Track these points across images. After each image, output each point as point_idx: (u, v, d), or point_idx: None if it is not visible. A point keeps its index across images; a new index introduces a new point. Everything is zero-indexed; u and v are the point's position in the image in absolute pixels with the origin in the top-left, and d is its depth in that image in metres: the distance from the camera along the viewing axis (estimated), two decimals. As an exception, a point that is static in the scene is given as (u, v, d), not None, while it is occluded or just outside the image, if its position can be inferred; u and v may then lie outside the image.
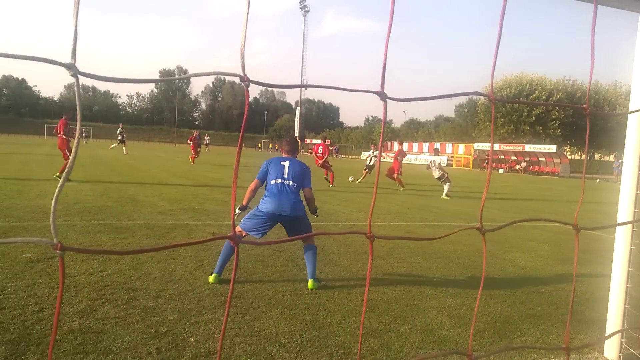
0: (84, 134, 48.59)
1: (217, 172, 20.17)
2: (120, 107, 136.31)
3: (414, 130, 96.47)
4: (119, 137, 30.02)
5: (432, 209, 11.87)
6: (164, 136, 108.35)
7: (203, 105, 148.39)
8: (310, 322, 3.84)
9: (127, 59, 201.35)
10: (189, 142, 26.54)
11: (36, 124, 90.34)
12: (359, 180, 18.45)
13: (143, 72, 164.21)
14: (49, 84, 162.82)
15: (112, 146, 35.64)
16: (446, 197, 14.52)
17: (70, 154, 10.69)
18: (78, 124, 0.82)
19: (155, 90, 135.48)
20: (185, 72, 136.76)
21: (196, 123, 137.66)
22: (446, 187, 14.80)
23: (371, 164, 18.80)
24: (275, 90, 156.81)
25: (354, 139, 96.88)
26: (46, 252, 5.20)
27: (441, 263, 6.11)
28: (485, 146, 51.08)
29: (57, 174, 13.01)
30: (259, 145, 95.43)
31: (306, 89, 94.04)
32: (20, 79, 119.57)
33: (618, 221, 3.58)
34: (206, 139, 47.00)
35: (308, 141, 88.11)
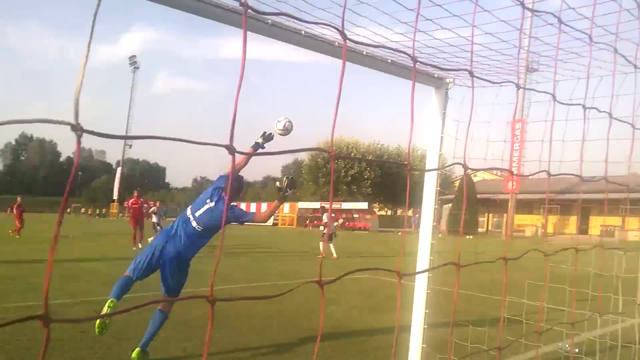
0: None
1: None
2: None
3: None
4: None
5: (259, 269, 12.09)
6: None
7: (0, 166, 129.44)
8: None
9: None
10: (13, 210, 21.81)
11: None
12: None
13: None
14: None
15: None
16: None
17: None
18: None
19: None
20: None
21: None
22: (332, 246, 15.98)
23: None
24: (93, 149, 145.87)
25: (181, 200, 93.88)
26: None
27: (265, 323, 6.26)
28: (309, 205, 53.94)
29: None
30: (68, 210, 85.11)
31: (130, 147, 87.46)
32: None
33: (417, 269, 4.18)
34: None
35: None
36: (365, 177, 60.75)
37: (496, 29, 2.94)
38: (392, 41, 3.20)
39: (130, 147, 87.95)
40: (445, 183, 65.88)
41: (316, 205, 53.23)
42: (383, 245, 25.07)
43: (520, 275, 6.53)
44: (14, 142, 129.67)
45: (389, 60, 3.53)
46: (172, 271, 4.42)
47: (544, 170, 2.34)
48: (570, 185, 32.54)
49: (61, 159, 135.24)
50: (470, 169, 2.24)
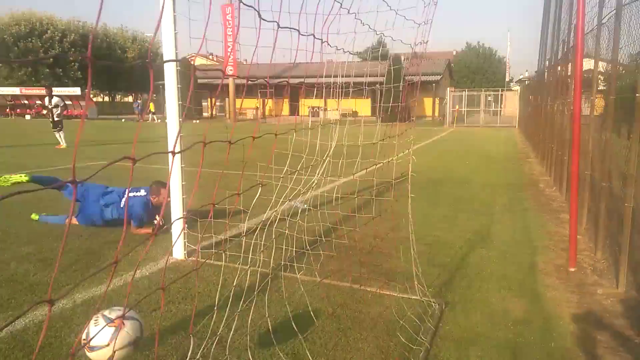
0: None
1: None
2: None
3: None
4: None
5: None
6: None
7: None
8: None
9: None
10: None
11: None
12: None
13: None
14: None
15: None
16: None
17: None
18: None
19: None
20: None
21: None
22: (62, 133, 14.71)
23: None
24: None
25: None
26: None
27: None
28: (4, 90, 45.33)
29: None
30: None
31: None
32: None
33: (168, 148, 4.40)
34: None
35: None
36: (71, 59, 53.73)
37: None
38: None
39: None
40: (162, 67, 63.84)
41: (15, 90, 45.29)
42: (110, 133, 23.59)
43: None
44: None
45: None
46: None
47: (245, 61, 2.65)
48: (282, 70, 35.79)
49: None
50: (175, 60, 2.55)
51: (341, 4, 2.73)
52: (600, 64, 5.17)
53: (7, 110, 44.06)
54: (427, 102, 40.47)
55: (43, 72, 51.70)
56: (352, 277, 3.88)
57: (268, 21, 1.87)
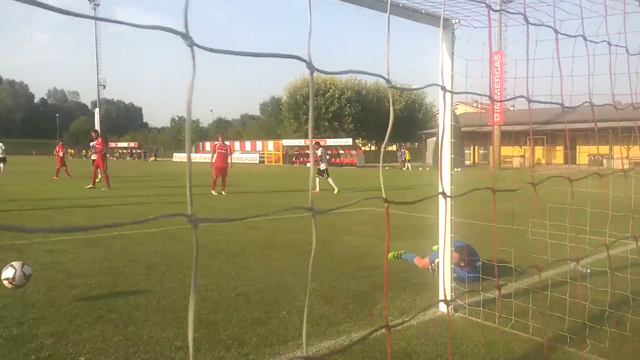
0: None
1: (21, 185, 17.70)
2: None
3: (223, 129, 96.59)
4: None
5: (264, 204, 12.38)
6: None
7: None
8: (197, 322, 3.93)
9: None
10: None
11: None
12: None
13: None
14: None
15: None
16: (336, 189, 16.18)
17: None
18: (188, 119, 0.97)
19: None
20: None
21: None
22: (331, 180, 16.46)
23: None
24: (66, 90, 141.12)
25: (163, 140, 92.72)
26: None
27: (291, 252, 6.61)
28: (293, 142, 53.89)
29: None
30: (54, 152, 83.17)
31: (104, 87, 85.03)
32: None
33: (440, 202, 4.44)
34: None
35: (113, 145, 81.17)
36: (346, 113, 60.66)
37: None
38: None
39: (104, 88, 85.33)
40: (426, 117, 66.43)
41: (300, 142, 53.22)
42: (375, 179, 25.54)
43: (521, 206, 6.87)
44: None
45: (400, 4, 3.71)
46: None
47: (522, 96, 2.25)
48: (554, 115, 33.08)
49: (35, 101, 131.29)
50: (451, 91, 2.38)
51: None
52: None
53: (294, 159, 51.92)
54: None
55: (323, 125, 59.78)
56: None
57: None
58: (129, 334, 3.66)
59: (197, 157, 61.56)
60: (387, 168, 43.13)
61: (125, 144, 78.17)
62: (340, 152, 50.71)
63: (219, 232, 8.01)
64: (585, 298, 4.31)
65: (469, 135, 41.82)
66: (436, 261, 5.43)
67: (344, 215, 10.08)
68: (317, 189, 16.54)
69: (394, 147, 70.19)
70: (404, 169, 37.67)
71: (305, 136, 57.11)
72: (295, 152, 52.90)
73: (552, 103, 2.55)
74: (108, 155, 21.10)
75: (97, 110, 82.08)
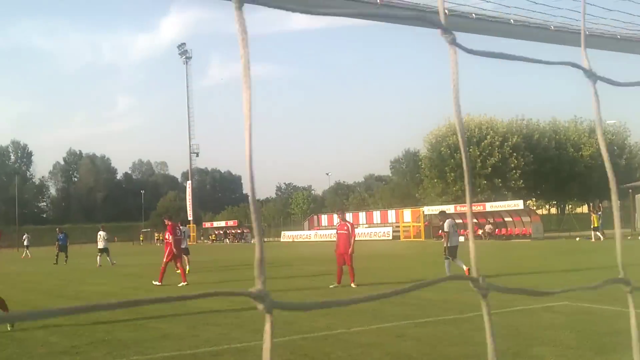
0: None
1: (104, 284, 19.44)
2: None
3: (343, 197, 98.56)
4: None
5: (411, 300, 12.15)
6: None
7: (52, 191, 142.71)
8: None
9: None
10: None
11: None
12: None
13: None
14: None
15: None
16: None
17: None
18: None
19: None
20: (24, 147, 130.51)
21: (43, 216, 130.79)
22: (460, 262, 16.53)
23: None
24: (152, 161, 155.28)
25: (268, 215, 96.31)
26: None
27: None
28: (438, 209, 53.25)
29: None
30: (141, 237, 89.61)
31: (197, 155, 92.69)
32: None
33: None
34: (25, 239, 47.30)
35: (207, 225, 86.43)
36: (512, 165, 58.28)
37: None
38: None
39: (197, 156, 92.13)
40: (631, 164, 61.80)
41: (448, 208, 52.43)
42: (565, 256, 24.10)
43: None
44: (62, 162, 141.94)
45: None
46: None
47: None
48: None
49: (118, 177, 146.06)
50: None
51: None
52: None
53: (440, 232, 51.07)
54: None
55: (480, 184, 58.06)
56: None
57: None
58: None
59: (311, 235, 63.45)
60: (577, 239, 40.59)
61: (222, 223, 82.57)
62: (506, 219, 48.91)
63: (354, 342, 7.94)
64: None
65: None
66: None
67: (526, 316, 9.50)
68: (465, 267, 15.96)
69: (583, 209, 66.05)
70: (600, 239, 35.19)
71: (456, 200, 56.02)
72: (440, 223, 52.07)
73: None
74: (188, 241, 23.07)
75: (188, 183, 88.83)
